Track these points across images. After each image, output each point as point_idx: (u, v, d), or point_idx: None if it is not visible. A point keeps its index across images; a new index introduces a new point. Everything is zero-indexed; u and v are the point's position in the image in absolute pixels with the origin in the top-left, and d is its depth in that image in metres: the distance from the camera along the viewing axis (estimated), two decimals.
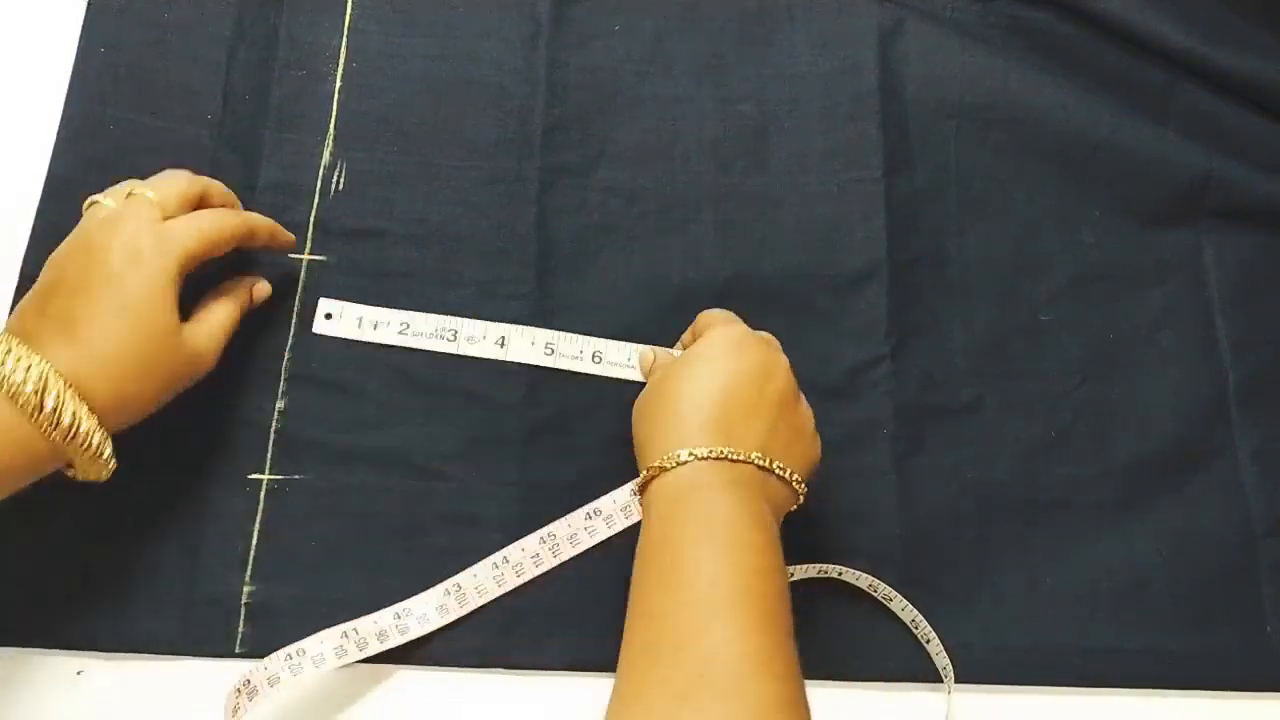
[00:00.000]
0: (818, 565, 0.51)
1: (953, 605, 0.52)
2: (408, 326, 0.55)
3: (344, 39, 0.59)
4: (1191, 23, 0.61)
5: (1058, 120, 0.60)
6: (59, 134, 0.56)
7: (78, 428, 0.43)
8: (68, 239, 0.47)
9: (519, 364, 0.54)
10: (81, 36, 0.58)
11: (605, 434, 0.54)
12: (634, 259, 0.57)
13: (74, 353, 0.43)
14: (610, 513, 0.51)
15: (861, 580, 0.51)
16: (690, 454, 0.44)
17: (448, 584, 0.50)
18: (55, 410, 0.42)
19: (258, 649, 0.49)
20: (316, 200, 0.57)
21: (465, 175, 0.58)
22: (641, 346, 0.55)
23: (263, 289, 0.53)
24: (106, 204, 0.47)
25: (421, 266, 0.56)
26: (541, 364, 0.54)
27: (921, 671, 0.51)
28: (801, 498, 0.46)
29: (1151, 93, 0.62)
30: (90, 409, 0.43)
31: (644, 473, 0.45)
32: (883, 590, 0.51)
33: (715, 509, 0.42)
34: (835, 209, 0.58)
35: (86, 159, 0.56)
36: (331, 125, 0.58)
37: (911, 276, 0.58)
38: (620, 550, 0.51)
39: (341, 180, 0.57)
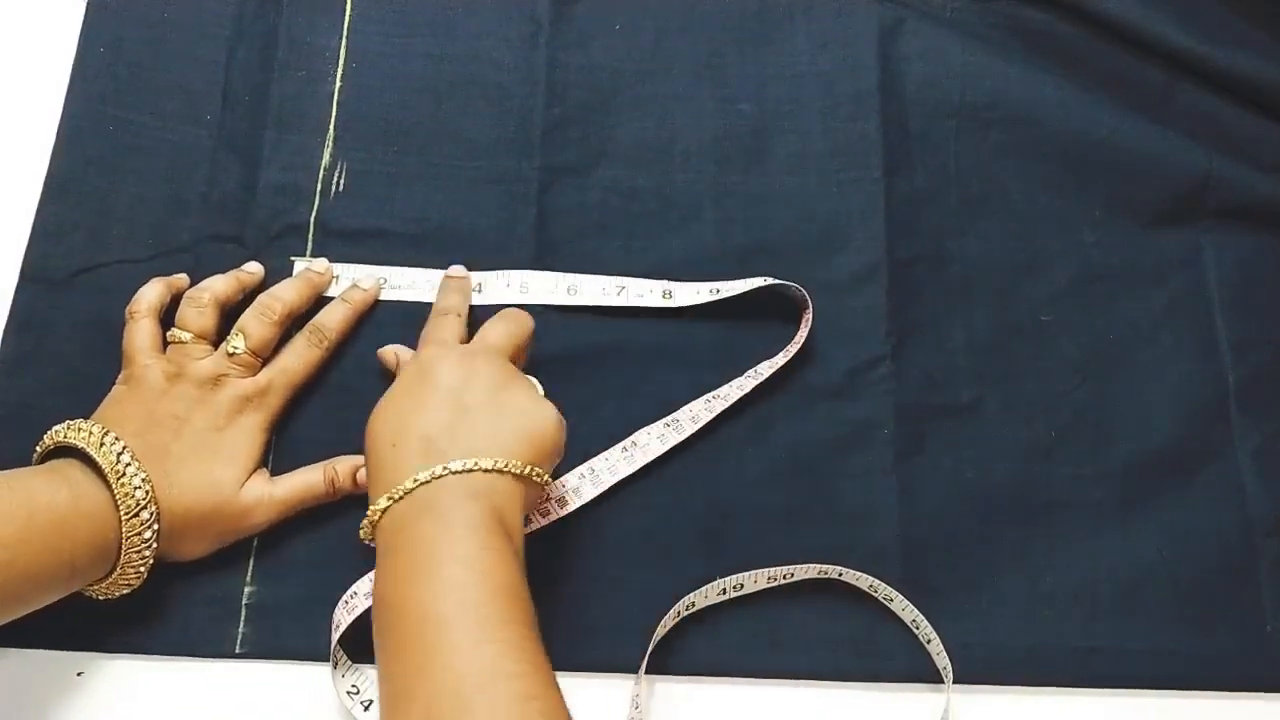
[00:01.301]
0: (818, 565, 0.51)
1: (953, 605, 0.52)
2: (386, 281, 0.55)
3: (343, 39, 0.59)
4: (1191, 23, 0.61)
5: (1058, 120, 0.60)
6: (59, 134, 0.57)
7: (148, 547, 0.45)
8: (167, 380, 0.49)
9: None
10: (81, 36, 0.58)
11: (605, 433, 0.54)
12: (633, 258, 0.57)
13: (158, 481, 0.46)
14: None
15: (861, 581, 0.51)
16: (388, 498, 0.42)
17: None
18: (147, 521, 0.45)
19: (258, 649, 0.49)
20: (317, 201, 0.57)
21: (465, 175, 0.58)
22: (620, 279, 0.56)
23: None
24: (183, 336, 0.50)
25: (421, 266, 0.56)
26: (515, 302, 0.55)
27: (922, 672, 0.50)
28: (534, 476, 0.44)
29: (1151, 93, 0.62)
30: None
31: (365, 520, 0.44)
32: (883, 590, 0.51)
33: (416, 546, 0.41)
34: (835, 209, 0.58)
35: (86, 159, 0.56)
36: (331, 126, 0.58)
37: (911, 276, 0.58)
38: (620, 550, 0.52)
39: (342, 181, 0.57)
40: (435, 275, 0.55)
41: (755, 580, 0.50)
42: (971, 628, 0.51)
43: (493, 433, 0.44)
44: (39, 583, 0.43)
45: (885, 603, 0.51)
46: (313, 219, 0.56)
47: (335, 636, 0.47)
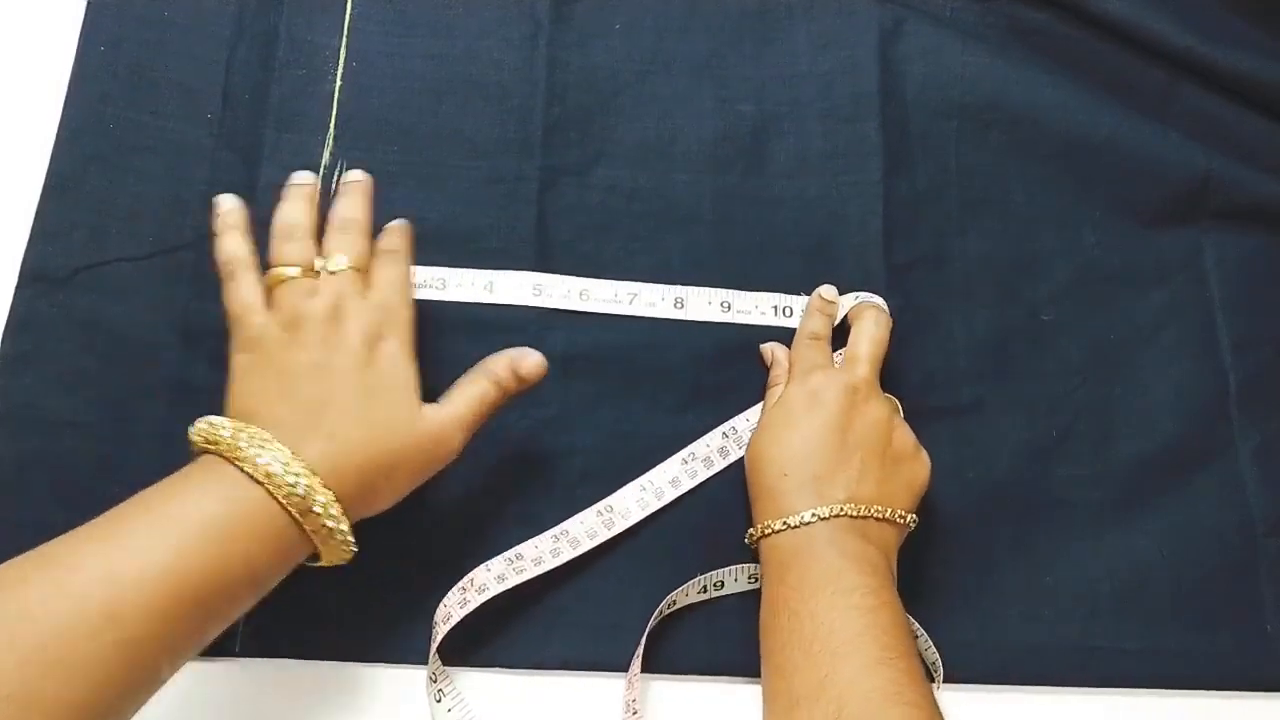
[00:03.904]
0: None
1: (953, 605, 0.52)
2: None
3: (344, 39, 0.59)
4: (1191, 23, 0.61)
5: (1058, 120, 0.60)
6: (59, 133, 0.56)
7: (325, 518, 0.41)
8: (253, 329, 0.45)
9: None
10: (81, 36, 0.58)
11: (605, 433, 0.54)
12: (634, 259, 0.57)
13: (320, 446, 0.42)
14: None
15: None
16: (784, 524, 0.46)
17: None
18: (305, 498, 0.41)
19: (258, 649, 0.49)
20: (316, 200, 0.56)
21: (465, 175, 0.58)
22: (631, 285, 0.56)
23: (529, 365, 0.47)
24: (290, 273, 0.46)
25: (421, 266, 0.56)
26: (529, 304, 0.55)
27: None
28: (910, 523, 0.49)
29: (1151, 93, 0.62)
30: (336, 498, 0.42)
31: (753, 531, 0.49)
32: None
33: (819, 565, 0.45)
34: (835, 209, 0.58)
35: (86, 158, 0.56)
36: (331, 125, 0.58)
37: (911, 277, 0.58)
38: (620, 550, 0.52)
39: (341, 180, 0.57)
40: (440, 273, 0.55)
41: (735, 579, 0.50)
42: (971, 627, 0.51)
43: (881, 480, 0.48)
44: (220, 590, 0.39)
45: None
46: None
47: (443, 631, 0.48)
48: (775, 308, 0.56)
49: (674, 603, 0.50)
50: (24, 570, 0.37)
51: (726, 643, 0.50)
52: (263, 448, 0.41)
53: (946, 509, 0.54)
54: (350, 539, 0.43)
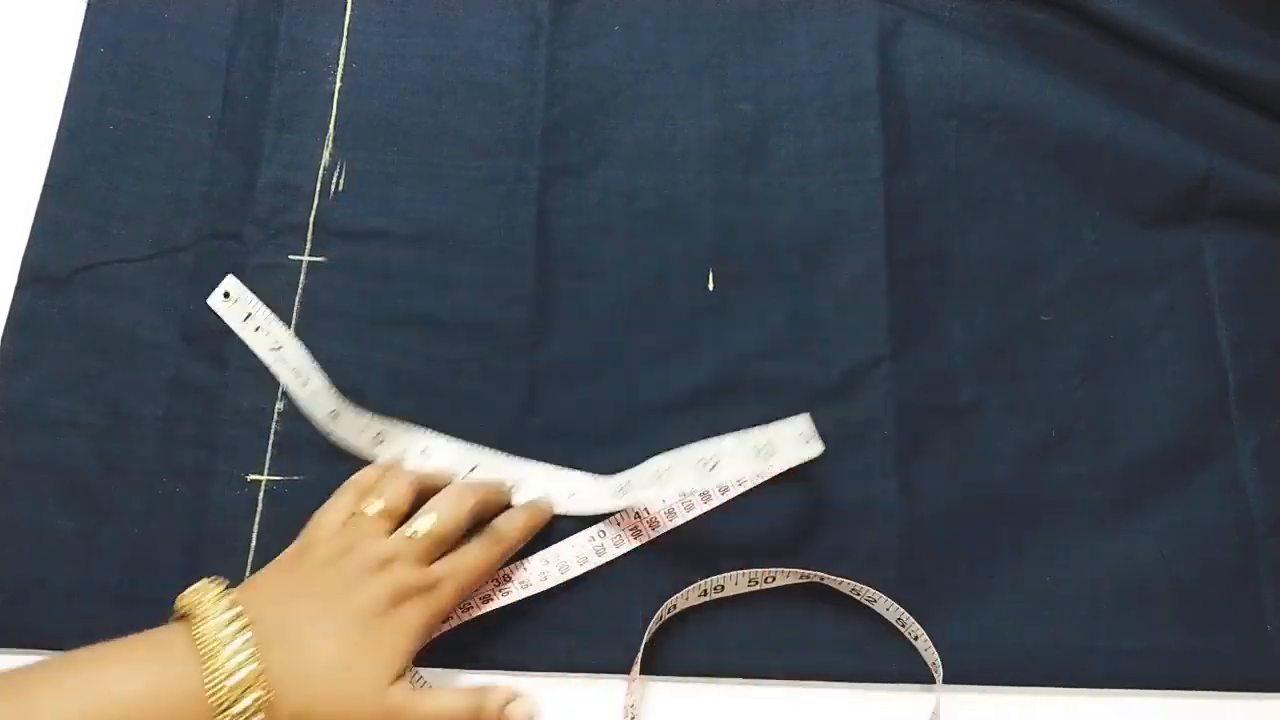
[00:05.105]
0: (799, 570, 0.50)
1: (953, 605, 0.52)
2: (281, 348, 0.53)
3: (344, 39, 0.59)
4: (1191, 23, 0.61)
5: (1058, 120, 0.60)
6: (59, 134, 0.57)
7: None
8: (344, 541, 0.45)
9: (518, 368, 0.54)
10: (81, 36, 0.58)
11: (604, 437, 0.54)
12: (634, 259, 0.57)
13: (284, 657, 0.41)
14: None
15: (844, 585, 0.51)
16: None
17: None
18: (242, 714, 0.39)
19: None
20: (316, 200, 0.57)
21: (465, 175, 0.58)
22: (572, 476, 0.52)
23: (518, 712, 0.46)
24: (371, 510, 0.47)
25: (421, 267, 0.56)
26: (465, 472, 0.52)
27: (918, 670, 0.50)
28: None
29: (1151, 93, 0.62)
30: (262, 710, 0.40)
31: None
32: (866, 593, 0.50)
33: None
34: (835, 209, 0.58)
35: (86, 158, 0.56)
36: (331, 125, 0.58)
37: (911, 276, 0.58)
38: (620, 555, 0.52)
39: (341, 180, 0.57)
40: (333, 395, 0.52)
41: (735, 582, 0.50)
42: (971, 628, 0.51)
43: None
44: None
45: (869, 604, 0.51)
46: (312, 218, 0.56)
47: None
48: (755, 448, 0.51)
49: (674, 606, 0.50)
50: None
51: (726, 645, 0.50)
52: (234, 628, 0.41)
53: (946, 509, 0.54)
54: None
